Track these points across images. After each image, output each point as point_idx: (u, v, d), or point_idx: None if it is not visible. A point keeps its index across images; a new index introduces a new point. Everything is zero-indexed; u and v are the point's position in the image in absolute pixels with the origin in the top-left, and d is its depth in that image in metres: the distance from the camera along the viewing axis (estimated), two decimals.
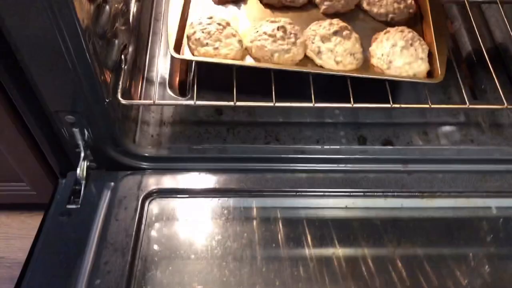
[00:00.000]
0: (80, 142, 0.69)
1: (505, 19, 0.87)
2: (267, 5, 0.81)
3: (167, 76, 0.84)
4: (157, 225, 0.63)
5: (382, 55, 0.74)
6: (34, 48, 0.55)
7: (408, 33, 0.76)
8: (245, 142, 0.77)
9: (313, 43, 0.74)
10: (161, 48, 0.85)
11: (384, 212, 0.68)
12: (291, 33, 0.73)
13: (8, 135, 0.74)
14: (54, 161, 0.74)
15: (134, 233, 0.60)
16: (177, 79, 0.87)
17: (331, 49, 0.73)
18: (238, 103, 0.70)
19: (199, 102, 0.71)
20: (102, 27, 0.62)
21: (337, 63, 0.73)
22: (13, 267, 1.01)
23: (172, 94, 0.82)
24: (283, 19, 0.75)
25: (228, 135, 0.78)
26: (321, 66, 0.73)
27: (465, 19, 0.95)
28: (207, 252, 0.60)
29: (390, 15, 0.80)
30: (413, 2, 0.82)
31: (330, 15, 0.80)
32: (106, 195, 0.67)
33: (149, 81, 0.82)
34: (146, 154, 0.74)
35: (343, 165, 0.75)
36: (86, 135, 0.68)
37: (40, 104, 0.62)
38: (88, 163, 0.71)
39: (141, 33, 0.85)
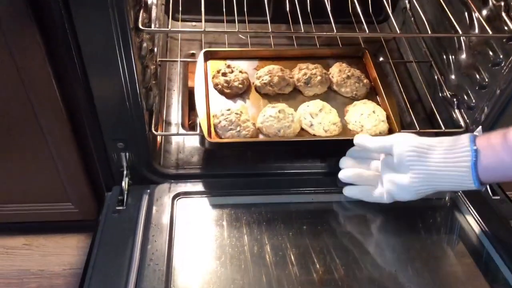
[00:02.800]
0: (124, 164, 0.97)
1: (419, 74, 1.23)
2: (264, 95, 1.09)
3: (179, 120, 1.15)
4: (184, 214, 0.92)
5: (355, 121, 1.02)
6: (107, 98, 0.85)
7: (370, 104, 1.05)
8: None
9: (305, 118, 1.01)
10: (175, 99, 1.17)
11: None
12: (288, 114, 1.00)
13: (68, 158, 1.01)
14: (103, 178, 1.02)
15: (169, 218, 0.88)
16: (187, 121, 1.18)
17: (320, 121, 1.00)
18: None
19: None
20: (146, 82, 0.93)
21: (325, 131, 1.00)
22: (52, 278, 1.24)
23: (185, 131, 1.13)
24: (280, 104, 1.03)
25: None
26: (314, 135, 1.01)
27: (394, 74, 1.29)
28: (218, 232, 0.89)
29: (354, 92, 1.10)
30: (368, 81, 1.12)
31: (311, 96, 1.10)
32: (145, 198, 0.94)
33: (168, 122, 1.13)
34: (169, 173, 1.03)
35: None
36: (129, 158, 0.97)
37: (101, 133, 0.91)
38: (127, 179, 0.99)
39: (161, 88, 1.17)
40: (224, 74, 1.07)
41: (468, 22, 1.04)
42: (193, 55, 1.30)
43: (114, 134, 0.91)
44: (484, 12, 0.99)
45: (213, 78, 1.09)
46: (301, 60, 1.15)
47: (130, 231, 0.87)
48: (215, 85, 1.08)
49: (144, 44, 0.90)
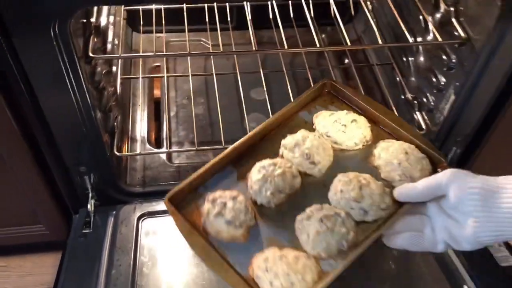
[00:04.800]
0: (89, 186, 0.98)
1: (381, 77, 1.25)
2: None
3: (146, 135, 1.16)
4: (149, 235, 0.92)
5: (398, 175, 0.79)
6: (62, 125, 0.85)
7: (397, 143, 0.83)
8: None
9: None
10: (140, 114, 1.17)
11: None
12: (338, 219, 0.73)
13: (33, 183, 1.01)
14: (69, 202, 1.02)
15: (134, 240, 0.89)
16: (153, 136, 1.18)
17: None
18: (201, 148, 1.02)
19: (170, 150, 1.02)
20: (103, 105, 0.93)
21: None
22: None
23: (151, 148, 1.13)
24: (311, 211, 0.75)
25: None
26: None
27: (361, 77, 1.30)
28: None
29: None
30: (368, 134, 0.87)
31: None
32: (111, 219, 0.95)
33: (133, 139, 1.14)
34: (136, 192, 1.03)
35: None
36: (93, 181, 0.97)
37: (63, 159, 0.92)
38: (93, 201, 1.00)
39: (125, 105, 1.17)
40: (218, 214, 0.73)
41: (423, 25, 1.05)
42: (158, 67, 1.30)
43: (74, 159, 0.92)
44: (437, 16, 1.00)
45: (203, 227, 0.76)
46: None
47: (96, 255, 0.88)
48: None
49: (98, 69, 0.90)
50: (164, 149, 1.03)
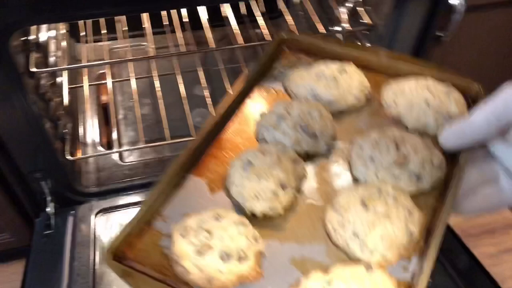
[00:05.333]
0: (46, 191, 1.05)
1: None
2: None
3: (98, 139, 1.23)
4: (106, 228, 1.01)
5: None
6: (12, 136, 0.92)
7: (421, 79, 0.67)
8: None
9: None
10: (90, 121, 1.25)
11: None
12: None
13: None
14: (29, 207, 1.09)
15: (92, 234, 0.98)
16: (105, 140, 1.26)
17: None
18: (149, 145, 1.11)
19: (120, 149, 1.10)
20: (51, 114, 1.01)
21: None
22: None
23: (102, 149, 1.21)
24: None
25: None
26: None
27: None
28: None
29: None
30: None
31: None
32: (70, 219, 1.03)
33: (85, 144, 1.21)
34: (91, 192, 1.11)
35: None
36: (49, 185, 1.04)
37: (18, 168, 0.98)
38: (53, 204, 1.07)
39: (75, 112, 1.24)
40: (204, 249, 0.50)
41: (338, 15, 1.17)
42: (103, 73, 1.37)
43: (29, 166, 0.99)
44: (349, 6, 1.12)
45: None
46: None
47: (59, 252, 0.96)
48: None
49: (43, 81, 0.97)
50: (114, 150, 1.10)
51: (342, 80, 0.66)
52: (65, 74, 1.14)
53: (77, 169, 1.15)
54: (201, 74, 1.28)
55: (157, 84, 1.25)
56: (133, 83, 1.24)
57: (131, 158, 1.21)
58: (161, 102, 1.20)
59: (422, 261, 0.49)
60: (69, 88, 1.16)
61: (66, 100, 1.13)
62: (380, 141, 0.57)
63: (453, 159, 0.56)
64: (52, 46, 1.09)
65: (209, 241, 0.49)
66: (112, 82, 1.26)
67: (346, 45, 0.74)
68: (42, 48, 1.00)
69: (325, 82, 0.66)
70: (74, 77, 1.30)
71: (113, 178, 1.16)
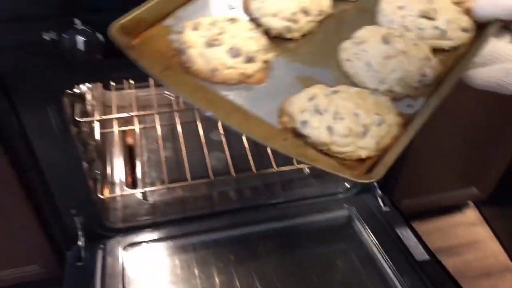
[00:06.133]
0: (78, 226, 1.16)
1: None
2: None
3: (123, 178, 1.35)
4: (132, 260, 1.11)
5: None
6: (57, 178, 1.03)
7: None
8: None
9: None
10: (117, 161, 1.37)
11: None
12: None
13: (29, 226, 1.17)
14: (61, 240, 1.19)
15: (120, 266, 1.08)
16: (129, 179, 1.38)
17: None
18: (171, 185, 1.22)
19: (146, 189, 1.22)
20: (88, 157, 1.13)
21: None
22: None
23: (128, 188, 1.33)
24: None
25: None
26: None
27: None
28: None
29: None
30: None
31: None
32: (99, 252, 1.13)
33: (113, 183, 1.33)
34: (118, 227, 1.22)
35: None
36: (81, 221, 1.15)
37: (56, 204, 1.10)
38: (84, 238, 1.17)
39: (104, 154, 1.37)
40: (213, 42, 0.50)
41: None
42: (130, 117, 1.51)
43: (66, 204, 1.10)
44: None
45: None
46: None
47: (90, 283, 1.06)
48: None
49: (83, 128, 1.10)
50: (139, 190, 1.22)
51: None
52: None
53: (105, 206, 1.26)
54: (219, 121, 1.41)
55: (179, 129, 1.37)
56: (158, 129, 1.37)
57: (153, 197, 1.32)
58: (182, 146, 1.32)
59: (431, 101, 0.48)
60: (100, 133, 1.29)
61: (98, 142, 1.26)
62: None
63: (480, 30, 0.55)
64: (88, 96, 1.22)
65: (220, 35, 0.49)
66: (139, 129, 1.39)
67: None
68: (82, 98, 1.14)
69: None
70: (105, 122, 1.43)
71: (137, 215, 1.27)
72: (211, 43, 0.48)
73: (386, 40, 0.51)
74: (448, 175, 1.44)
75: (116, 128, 1.34)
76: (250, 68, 0.49)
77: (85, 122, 1.13)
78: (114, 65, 0.85)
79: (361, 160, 0.45)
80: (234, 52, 0.48)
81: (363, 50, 0.52)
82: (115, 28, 0.49)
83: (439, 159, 1.37)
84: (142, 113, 1.37)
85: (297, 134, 0.46)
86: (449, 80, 0.50)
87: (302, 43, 0.55)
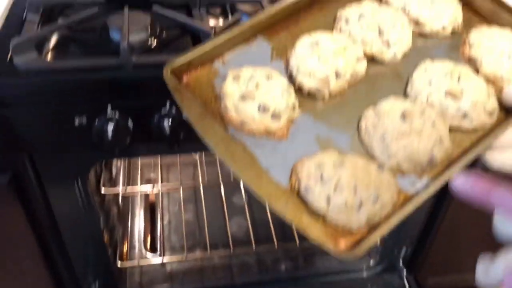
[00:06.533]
0: None
1: None
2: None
3: (142, 241, 1.33)
4: None
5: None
6: (75, 243, 1.03)
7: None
8: None
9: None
10: (137, 224, 1.36)
11: None
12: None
13: None
14: None
15: None
16: (149, 241, 1.36)
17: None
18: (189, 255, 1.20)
19: (164, 259, 1.20)
20: (110, 225, 1.12)
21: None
22: None
23: (147, 252, 1.31)
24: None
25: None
26: None
27: None
28: None
29: None
30: None
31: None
32: None
33: (132, 246, 1.31)
34: None
35: None
36: (98, 287, 1.13)
37: (74, 270, 1.08)
38: None
39: (125, 216, 1.36)
40: (247, 96, 0.56)
41: None
42: (153, 177, 1.50)
43: (84, 270, 1.09)
44: None
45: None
46: None
47: None
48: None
49: (107, 197, 1.10)
50: (157, 259, 1.20)
51: (437, 4, 0.67)
52: (121, 184, 1.27)
53: (123, 272, 1.24)
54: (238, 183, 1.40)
55: (201, 191, 1.37)
56: (180, 192, 1.36)
57: (171, 264, 1.29)
58: (203, 209, 1.32)
59: (433, 182, 0.51)
60: (122, 196, 1.28)
61: (120, 207, 1.25)
62: (447, 68, 0.59)
63: (507, 115, 0.58)
64: (114, 163, 1.23)
65: (253, 91, 0.55)
66: (161, 193, 1.39)
67: None
68: (108, 168, 1.14)
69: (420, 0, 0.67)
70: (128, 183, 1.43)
71: (154, 281, 1.24)
72: (245, 97, 0.55)
73: (404, 116, 0.54)
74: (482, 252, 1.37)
75: (138, 193, 1.34)
76: (275, 124, 0.55)
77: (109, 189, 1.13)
78: (142, 147, 0.87)
79: (353, 232, 0.49)
80: (262, 109, 0.54)
81: (381, 122, 0.55)
82: (166, 70, 0.56)
83: (473, 235, 1.31)
84: (166, 187, 1.38)
85: (301, 198, 0.50)
86: (459, 163, 0.52)
87: (330, 103, 0.60)
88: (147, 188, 1.39)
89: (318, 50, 0.59)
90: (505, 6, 0.68)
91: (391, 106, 0.56)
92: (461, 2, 0.70)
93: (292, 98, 0.57)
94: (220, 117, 0.55)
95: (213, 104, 0.57)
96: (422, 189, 0.52)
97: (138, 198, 1.35)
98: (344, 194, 0.48)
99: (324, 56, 0.59)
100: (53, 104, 0.76)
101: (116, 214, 1.20)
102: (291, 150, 0.54)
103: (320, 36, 0.61)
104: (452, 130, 0.57)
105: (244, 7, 0.92)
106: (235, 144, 0.53)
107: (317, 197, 0.49)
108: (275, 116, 0.55)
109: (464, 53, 0.66)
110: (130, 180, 1.40)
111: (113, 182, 1.22)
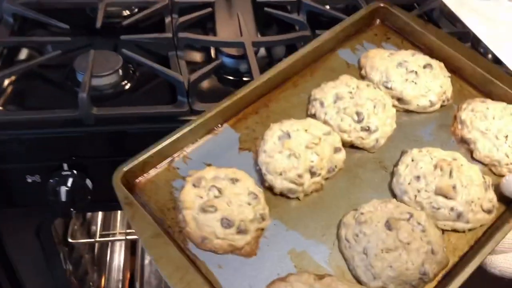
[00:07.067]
0: None
1: None
2: None
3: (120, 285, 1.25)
4: None
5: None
6: None
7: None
8: None
9: None
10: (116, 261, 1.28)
11: None
12: None
13: None
14: None
15: None
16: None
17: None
18: None
19: None
20: (79, 273, 1.04)
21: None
22: None
23: None
24: None
25: None
26: None
27: None
28: None
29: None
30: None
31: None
32: None
33: None
34: None
35: None
36: None
37: None
38: None
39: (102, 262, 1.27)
40: (208, 208, 0.49)
41: None
42: None
43: None
44: None
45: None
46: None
47: None
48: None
49: (77, 245, 1.02)
50: None
51: (423, 77, 0.59)
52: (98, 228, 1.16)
53: None
54: None
55: None
56: None
57: None
58: None
59: None
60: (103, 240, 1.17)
61: (96, 252, 1.18)
62: (435, 162, 0.51)
63: (507, 206, 0.51)
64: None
65: (216, 199, 0.48)
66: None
67: (446, 38, 0.64)
68: (81, 215, 1.06)
69: (403, 74, 0.60)
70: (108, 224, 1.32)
71: None
72: (205, 209, 0.47)
73: (389, 226, 0.47)
74: None
75: (118, 232, 1.26)
76: (241, 240, 0.47)
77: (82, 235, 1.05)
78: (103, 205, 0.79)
79: None
80: (226, 223, 0.47)
81: (363, 232, 0.47)
82: (118, 176, 0.49)
83: None
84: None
85: None
86: (457, 276, 0.45)
87: (305, 203, 0.52)
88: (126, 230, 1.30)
89: (289, 144, 0.51)
90: (495, 74, 0.61)
91: (375, 210, 0.49)
92: (452, 74, 0.63)
93: (260, 206, 0.49)
94: (178, 229, 0.48)
95: (171, 213, 0.49)
96: None
97: (118, 240, 1.27)
98: None
99: (296, 151, 0.51)
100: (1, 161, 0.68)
101: (89, 260, 1.13)
102: (261, 269, 0.47)
103: (291, 126, 0.53)
104: (444, 231, 0.50)
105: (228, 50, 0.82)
106: (193, 272, 0.44)
107: None
108: (241, 231, 0.47)
109: (455, 132, 0.59)
110: (109, 223, 1.32)
111: (86, 228, 1.14)
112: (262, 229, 0.49)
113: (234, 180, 0.49)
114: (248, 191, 0.49)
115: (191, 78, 0.69)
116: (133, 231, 1.21)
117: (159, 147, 0.52)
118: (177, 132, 0.53)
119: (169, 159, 0.53)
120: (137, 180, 0.52)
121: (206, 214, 0.47)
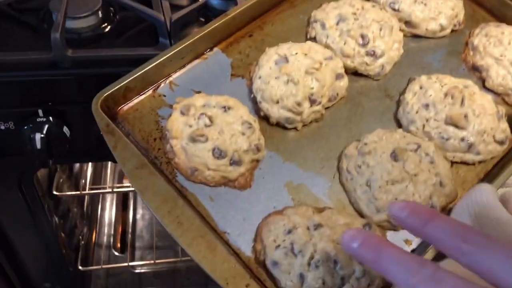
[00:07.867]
0: None
1: None
2: None
3: (111, 240, 1.23)
4: None
5: None
6: (25, 245, 0.91)
7: None
8: None
9: None
10: (107, 216, 1.25)
11: None
12: None
13: None
14: None
15: None
16: (118, 240, 1.25)
17: None
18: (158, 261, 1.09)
19: (132, 263, 1.10)
20: (68, 227, 1.01)
21: None
22: None
23: (115, 252, 1.20)
24: None
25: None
26: None
27: None
28: None
29: None
30: None
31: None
32: None
33: (99, 246, 1.20)
34: None
35: None
36: None
37: (28, 278, 0.98)
38: None
39: (93, 215, 1.25)
40: (198, 137, 0.44)
41: None
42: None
43: (39, 277, 0.99)
44: None
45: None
46: None
47: None
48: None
49: (64, 198, 0.98)
50: (125, 263, 1.10)
51: None
52: (88, 181, 1.13)
53: (87, 275, 1.14)
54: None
55: None
56: None
57: (140, 266, 1.19)
58: None
59: None
60: (89, 193, 1.14)
61: (85, 205, 1.14)
62: (446, 89, 0.47)
63: None
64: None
65: (207, 128, 0.43)
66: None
67: None
68: (67, 168, 1.02)
69: None
70: (98, 178, 1.28)
71: (121, 285, 1.15)
72: (195, 138, 0.43)
73: (396, 156, 0.43)
74: None
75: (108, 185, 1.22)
76: (235, 171, 0.43)
77: (69, 187, 1.01)
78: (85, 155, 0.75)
79: None
80: (218, 153, 0.43)
81: (367, 164, 0.43)
82: (98, 102, 0.45)
83: None
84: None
85: (266, 271, 0.40)
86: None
87: (303, 134, 0.47)
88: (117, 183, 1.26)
89: (287, 69, 0.46)
90: None
91: (380, 140, 0.45)
92: None
93: (255, 136, 0.45)
94: (166, 160, 0.44)
95: (157, 143, 0.45)
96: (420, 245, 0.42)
97: (108, 194, 1.24)
98: (320, 271, 0.37)
99: (295, 77, 0.45)
100: None
101: (77, 214, 1.09)
102: (255, 202, 0.43)
103: (289, 49, 0.48)
104: (453, 164, 0.46)
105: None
106: (182, 205, 0.40)
107: (287, 275, 0.38)
108: (235, 162, 0.43)
109: (466, 59, 0.54)
110: (100, 178, 1.28)
111: (74, 181, 1.09)
112: (257, 161, 0.45)
113: (226, 108, 0.45)
114: (241, 120, 0.44)
115: (173, 18, 0.63)
116: (123, 184, 1.23)
117: (142, 71, 0.47)
118: (162, 56, 0.48)
119: (154, 86, 0.49)
120: (119, 109, 0.47)
121: (196, 144, 0.43)
